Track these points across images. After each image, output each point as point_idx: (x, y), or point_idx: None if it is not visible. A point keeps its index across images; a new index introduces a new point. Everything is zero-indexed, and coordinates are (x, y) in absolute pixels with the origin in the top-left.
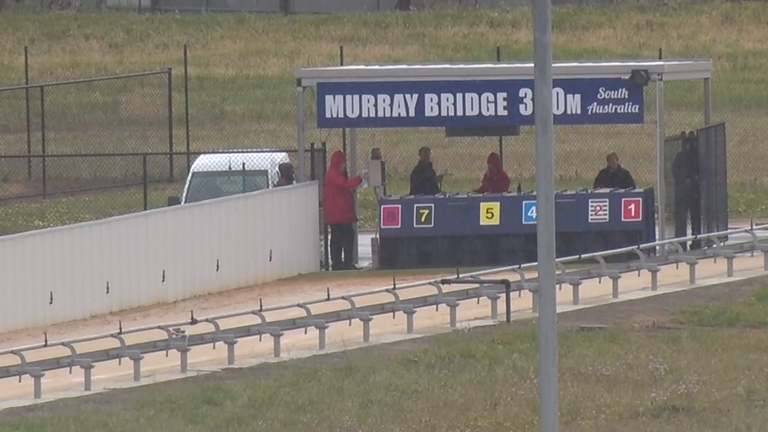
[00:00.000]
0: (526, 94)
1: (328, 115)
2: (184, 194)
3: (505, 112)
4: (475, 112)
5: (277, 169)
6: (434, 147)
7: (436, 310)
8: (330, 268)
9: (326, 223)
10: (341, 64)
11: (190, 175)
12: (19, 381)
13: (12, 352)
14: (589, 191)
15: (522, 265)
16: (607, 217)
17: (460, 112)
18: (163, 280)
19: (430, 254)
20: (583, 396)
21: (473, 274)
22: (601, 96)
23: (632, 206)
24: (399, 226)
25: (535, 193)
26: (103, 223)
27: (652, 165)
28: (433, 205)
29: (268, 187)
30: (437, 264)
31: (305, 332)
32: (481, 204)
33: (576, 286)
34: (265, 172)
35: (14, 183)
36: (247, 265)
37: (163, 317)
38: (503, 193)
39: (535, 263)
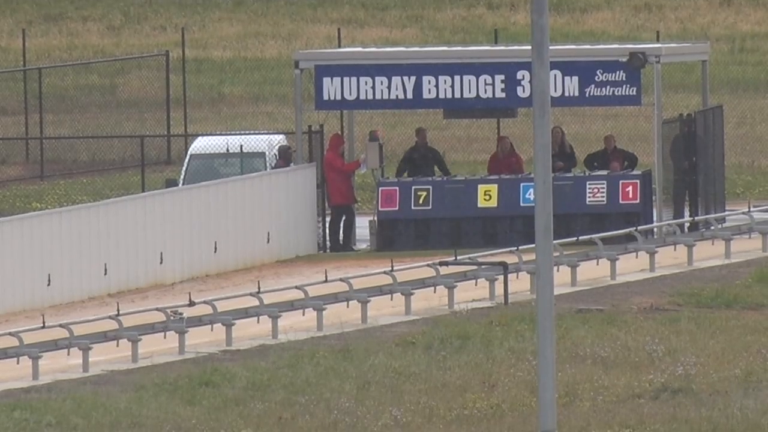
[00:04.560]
0: (523, 76)
1: (325, 98)
2: (182, 176)
3: (503, 95)
4: (473, 95)
5: (275, 151)
6: (432, 129)
7: (434, 292)
8: (328, 250)
9: (332, 205)
10: (339, 47)
11: (187, 157)
12: (17, 363)
13: (10, 333)
14: (587, 173)
15: (520, 247)
16: (604, 199)
17: (457, 95)
18: (161, 262)
19: (428, 236)
20: (581, 378)
21: (471, 256)
22: (598, 78)
23: (630, 188)
24: (397, 208)
25: (533, 175)
26: (100, 205)
27: (650, 147)
28: (430, 187)
29: (265, 169)
30: (435, 246)
31: (303, 314)
32: (479, 186)
33: (574, 268)
34: (262, 154)
35: (12, 165)
36: (245, 247)
37: (161, 299)
38: (501, 176)
39: (533, 245)
